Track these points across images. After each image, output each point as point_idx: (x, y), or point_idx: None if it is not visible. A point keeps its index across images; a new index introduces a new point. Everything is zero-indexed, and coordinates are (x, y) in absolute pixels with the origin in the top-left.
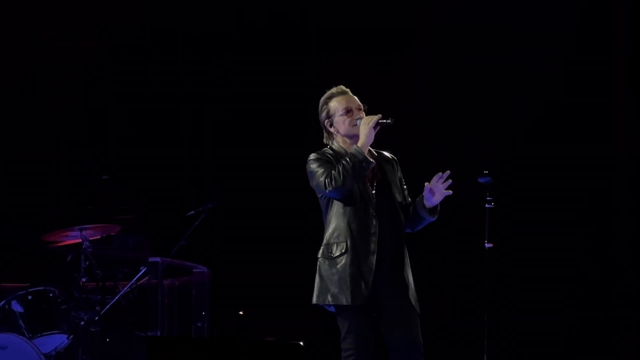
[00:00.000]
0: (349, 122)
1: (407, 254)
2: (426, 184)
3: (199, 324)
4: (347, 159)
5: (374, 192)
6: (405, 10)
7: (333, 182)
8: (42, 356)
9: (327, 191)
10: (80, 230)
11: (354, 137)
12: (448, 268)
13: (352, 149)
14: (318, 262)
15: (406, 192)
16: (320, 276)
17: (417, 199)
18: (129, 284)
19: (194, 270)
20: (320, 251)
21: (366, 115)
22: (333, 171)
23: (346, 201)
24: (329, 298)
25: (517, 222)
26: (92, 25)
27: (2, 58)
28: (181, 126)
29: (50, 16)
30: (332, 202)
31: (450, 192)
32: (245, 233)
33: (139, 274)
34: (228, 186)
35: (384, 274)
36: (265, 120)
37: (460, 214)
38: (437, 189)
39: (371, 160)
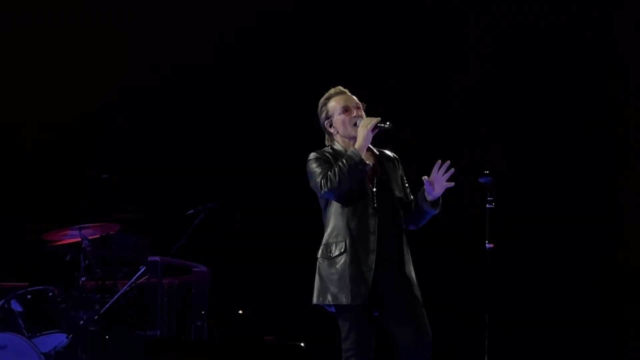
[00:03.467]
0: (348, 121)
1: (408, 251)
2: (424, 177)
3: (199, 323)
4: (344, 161)
5: (374, 189)
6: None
7: (329, 184)
8: (42, 355)
9: (323, 192)
10: (80, 229)
11: (354, 138)
12: (449, 269)
13: (349, 151)
14: (317, 262)
15: (408, 190)
16: (320, 276)
17: (419, 192)
18: (129, 283)
19: (194, 269)
20: (320, 251)
21: (365, 114)
22: (329, 172)
23: (345, 200)
24: (329, 298)
25: (516, 223)
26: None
27: (2, 57)
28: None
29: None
30: (331, 201)
31: (452, 183)
32: (245, 231)
33: (139, 273)
34: (227, 186)
35: (385, 271)
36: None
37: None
38: (437, 181)
39: (368, 162)
